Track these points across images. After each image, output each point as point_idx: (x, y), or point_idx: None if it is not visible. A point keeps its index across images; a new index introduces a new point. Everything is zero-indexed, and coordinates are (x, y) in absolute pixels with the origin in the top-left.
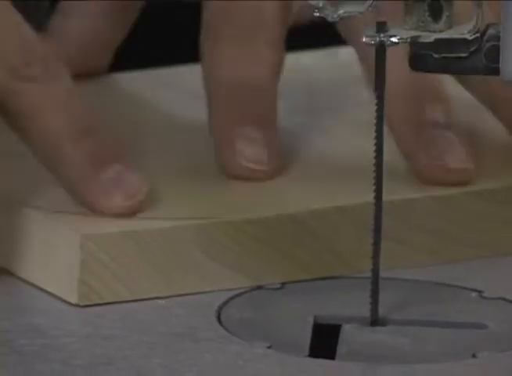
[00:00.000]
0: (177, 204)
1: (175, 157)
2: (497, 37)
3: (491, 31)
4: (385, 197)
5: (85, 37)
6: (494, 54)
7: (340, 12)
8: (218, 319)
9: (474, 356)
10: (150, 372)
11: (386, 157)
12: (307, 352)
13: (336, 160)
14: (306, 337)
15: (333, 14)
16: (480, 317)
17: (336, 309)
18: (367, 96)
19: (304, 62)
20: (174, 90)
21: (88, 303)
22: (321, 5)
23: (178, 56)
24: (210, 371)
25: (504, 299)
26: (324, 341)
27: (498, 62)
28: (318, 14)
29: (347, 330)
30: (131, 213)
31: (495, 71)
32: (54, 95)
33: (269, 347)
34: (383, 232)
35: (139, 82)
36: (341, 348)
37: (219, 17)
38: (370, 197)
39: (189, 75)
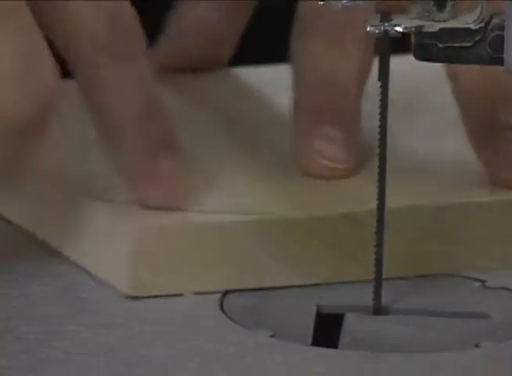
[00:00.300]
0: (239, 198)
1: (259, 153)
2: (501, 27)
3: (495, 21)
4: (455, 198)
5: (204, 31)
6: (498, 44)
7: (344, 1)
8: (221, 307)
9: (476, 345)
10: (152, 361)
11: (458, 157)
12: (310, 341)
13: (417, 161)
14: (309, 326)
15: (336, 4)
16: (483, 307)
17: (339, 299)
18: None
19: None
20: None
21: (142, 295)
22: None
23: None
24: (212, 360)
25: (507, 289)
26: (327, 330)
27: (502, 52)
28: (322, 3)
29: (350, 319)
30: (170, 209)
31: (500, 61)
32: (130, 73)
33: (272, 336)
34: (450, 235)
35: (253, 77)
36: (344, 338)
37: (311, 15)
38: (442, 198)
39: None
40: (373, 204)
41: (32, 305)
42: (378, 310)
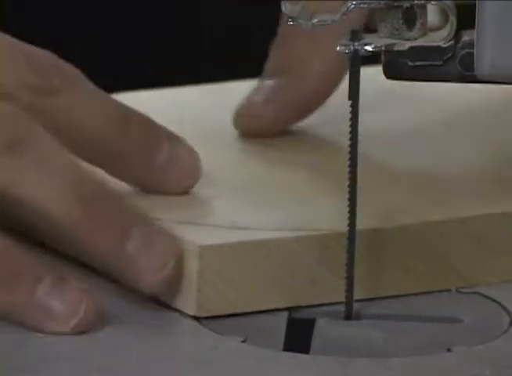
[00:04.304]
0: (296, 215)
1: (302, 168)
2: (471, 45)
3: (465, 39)
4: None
5: None
6: (468, 61)
7: (314, 21)
8: None
9: (449, 350)
10: (125, 365)
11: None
12: (281, 346)
13: (459, 173)
14: (281, 331)
15: (307, 23)
16: (455, 311)
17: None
18: None
19: None
20: None
21: (206, 315)
22: (295, 14)
23: None
24: (184, 365)
25: (479, 294)
26: (298, 335)
27: (473, 69)
28: (292, 23)
29: (321, 324)
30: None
31: (470, 79)
32: (86, 96)
33: (244, 341)
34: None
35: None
36: (316, 343)
37: None
38: (489, 209)
39: None
40: (430, 217)
41: None
42: (350, 315)
